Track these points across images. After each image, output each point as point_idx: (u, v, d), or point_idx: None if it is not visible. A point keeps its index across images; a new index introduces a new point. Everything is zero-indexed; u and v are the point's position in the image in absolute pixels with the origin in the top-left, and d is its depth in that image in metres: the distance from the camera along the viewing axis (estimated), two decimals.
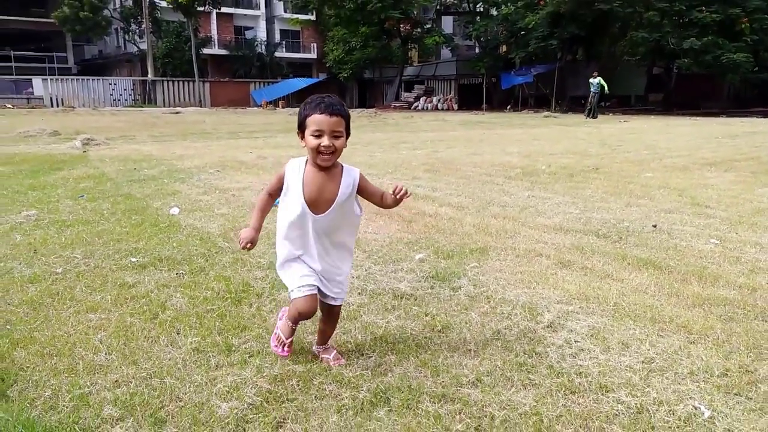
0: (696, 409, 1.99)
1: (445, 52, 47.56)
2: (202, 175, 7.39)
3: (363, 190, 2.24)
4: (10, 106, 32.46)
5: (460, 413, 1.99)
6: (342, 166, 2.20)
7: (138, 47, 44.07)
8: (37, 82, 37.58)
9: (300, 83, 43.09)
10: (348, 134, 2.15)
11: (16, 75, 40.30)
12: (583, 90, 33.40)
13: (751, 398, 2.07)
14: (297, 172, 2.17)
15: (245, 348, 2.48)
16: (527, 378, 2.23)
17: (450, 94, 43.46)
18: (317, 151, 2.08)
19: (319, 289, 2.23)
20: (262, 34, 49.07)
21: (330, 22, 42.85)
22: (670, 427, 1.90)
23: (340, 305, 2.39)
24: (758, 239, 4.25)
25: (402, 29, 41.76)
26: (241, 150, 10.65)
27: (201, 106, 37.78)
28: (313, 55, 50.84)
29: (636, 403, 2.03)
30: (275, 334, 2.39)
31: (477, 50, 43.51)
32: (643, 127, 18.35)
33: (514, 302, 2.99)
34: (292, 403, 2.05)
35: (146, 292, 3.14)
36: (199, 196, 5.98)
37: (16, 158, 9.06)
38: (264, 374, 2.24)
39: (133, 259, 3.72)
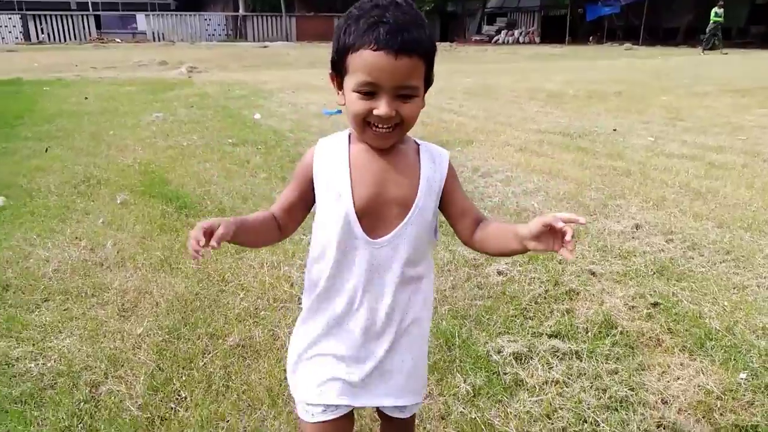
0: (532, 204, 3.52)
1: None
2: (280, 94, 9.20)
3: (447, 197, 1.16)
4: (118, 40, 35.86)
5: None
6: (417, 143, 1.16)
7: None
8: (140, 17, 40.88)
9: None
10: (429, 83, 1.07)
11: (121, 11, 43.92)
12: (678, 21, 32.11)
13: (568, 203, 3.56)
14: (336, 159, 1.10)
15: None
16: None
17: (533, 26, 42.67)
18: (364, 121, 1.03)
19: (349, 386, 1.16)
20: None
21: None
22: (510, 208, 3.45)
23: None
24: (688, 138, 5.44)
25: None
26: (314, 77, 12.34)
27: (288, 41, 39.72)
28: None
29: (500, 201, 3.60)
30: None
31: None
32: (713, 60, 18.16)
33: (468, 166, 4.54)
34: None
35: (238, 155, 4.97)
36: (276, 108, 7.79)
37: (137, 81, 11.32)
38: None
39: (230, 140, 5.58)
